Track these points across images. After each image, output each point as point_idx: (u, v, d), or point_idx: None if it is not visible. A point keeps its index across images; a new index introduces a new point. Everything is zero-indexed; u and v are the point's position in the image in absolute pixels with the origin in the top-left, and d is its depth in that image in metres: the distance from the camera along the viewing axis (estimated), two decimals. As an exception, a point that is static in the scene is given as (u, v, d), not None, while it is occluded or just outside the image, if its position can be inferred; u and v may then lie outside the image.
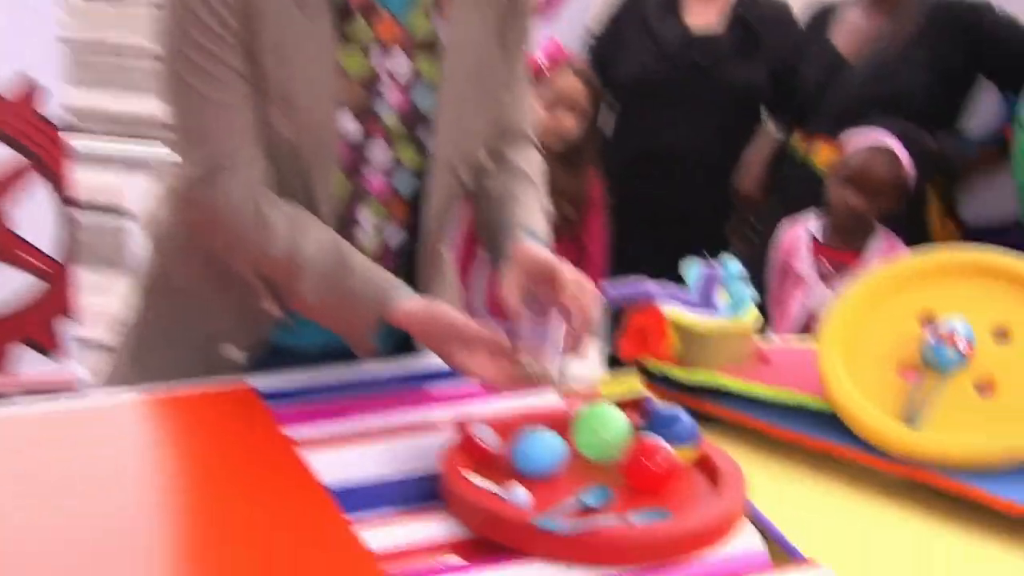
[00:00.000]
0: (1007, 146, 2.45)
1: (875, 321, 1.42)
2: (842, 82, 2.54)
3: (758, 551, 1.10)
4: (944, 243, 2.50)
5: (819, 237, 2.49)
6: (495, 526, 1.06)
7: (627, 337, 1.54)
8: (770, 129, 2.80)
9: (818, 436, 1.36)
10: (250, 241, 1.29)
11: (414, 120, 1.36)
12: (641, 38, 2.75)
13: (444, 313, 1.24)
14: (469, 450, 1.17)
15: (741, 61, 2.71)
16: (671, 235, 2.59)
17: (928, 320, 1.40)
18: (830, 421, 1.38)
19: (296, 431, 1.27)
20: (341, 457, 1.23)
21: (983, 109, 2.53)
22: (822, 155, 2.56)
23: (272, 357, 1.41)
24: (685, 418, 1.20)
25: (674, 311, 1.51)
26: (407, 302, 1.27)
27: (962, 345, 1.31)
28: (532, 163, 1.50)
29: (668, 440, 1.16)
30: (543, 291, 1.26)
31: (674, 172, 2.71)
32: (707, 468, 1.18)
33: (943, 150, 2.35)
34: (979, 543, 1.17)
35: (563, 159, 2.54)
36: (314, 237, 1.29)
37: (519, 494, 1.10)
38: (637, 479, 1.13)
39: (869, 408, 1.34)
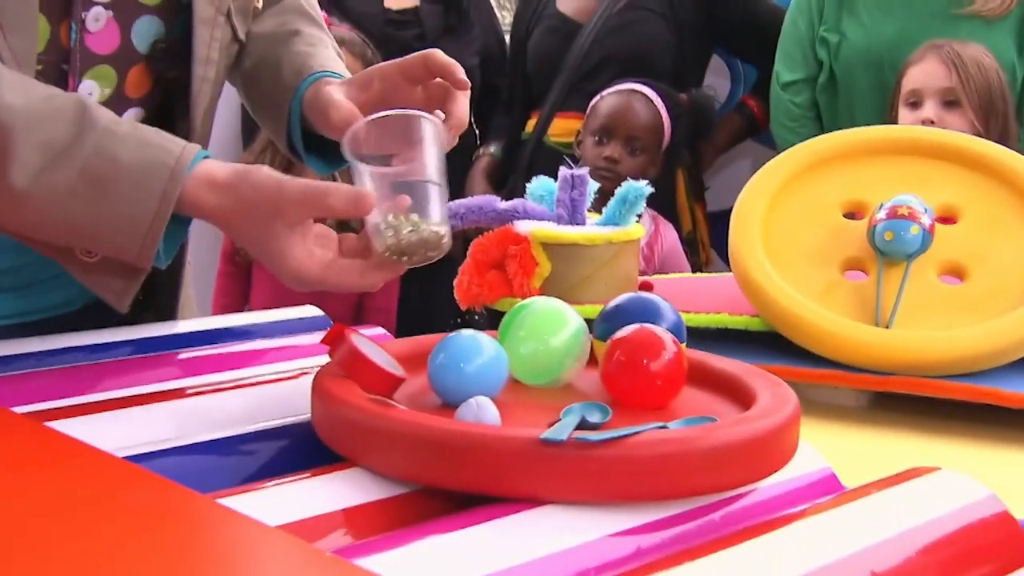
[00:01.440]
0: (751, 117, 2.37)
1: (796, 219, 1.14)
2: (575, 47, 2.33)
3: (822, 467, 0.74)
4: (692, 230, 2.35)
5: None
6: (466, 460, 0.61)
7: (474, 274, 1.15)
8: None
9: (772, 362, 1.04)
10: None
11: None
12: (340, 18, 2.40)
13: (269, 179, 0.77)
14: (361, 381, 0.71)
15: (448, 40, 2.44)
16: None
17: (856, 211, 1.15)
18: (772, 343, 1.08)
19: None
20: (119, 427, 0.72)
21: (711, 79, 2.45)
22: (557, 129, 2.32)
23: None
24: (665, 306, 0.82)
25: (540, 229, 1.14)
26: (210, 166, 0.80)
27: (926, 221, 1.06)
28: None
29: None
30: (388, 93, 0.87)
31: None
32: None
33: (696, 102, 2.19)
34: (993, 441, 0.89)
35: None
36: (21, 87, 0.79)
37: (489, 410, 0.66)
38: (632, 387, 0.74)
39: (830, 317, 1.04)
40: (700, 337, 1.09)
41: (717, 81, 2.46)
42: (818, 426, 1.00)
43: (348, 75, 0.94)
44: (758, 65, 2.35)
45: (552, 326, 0.78)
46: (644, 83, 2.13)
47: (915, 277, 1.06)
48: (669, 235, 2.14)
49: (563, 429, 0.61)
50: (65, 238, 0.81)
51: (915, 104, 1.85)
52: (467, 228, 1.18)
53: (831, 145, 1.18)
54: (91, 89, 0.89)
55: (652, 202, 2.18)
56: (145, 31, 0.92)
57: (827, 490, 0.71)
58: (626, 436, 0.61)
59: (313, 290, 0.78)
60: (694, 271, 2.15)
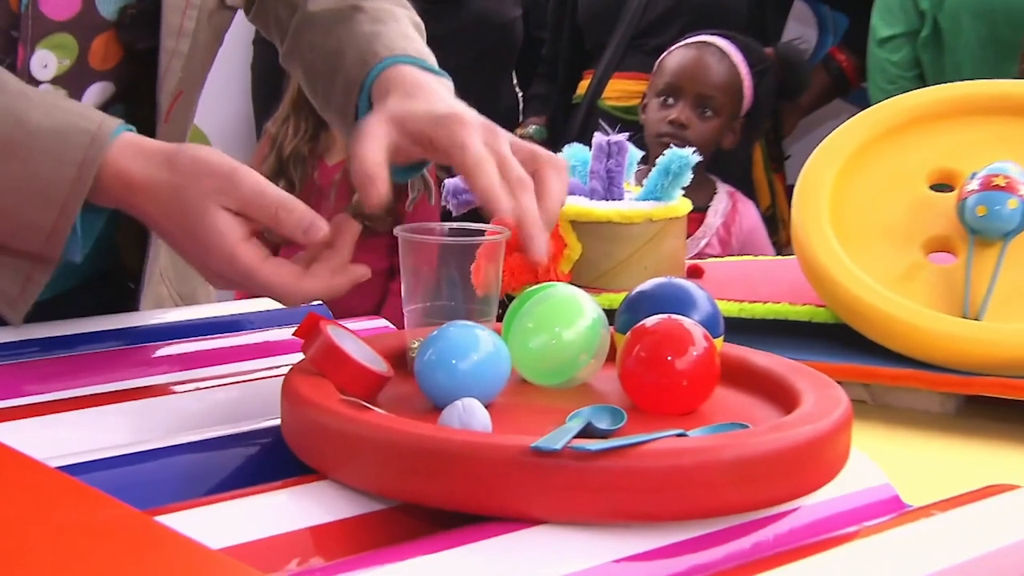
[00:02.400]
0: (840, 72, 2.33)
1: (872, 192, 1.12)
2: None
3: (879, 483, 0.72)
4: (771, 205, 2.32)
5: None
6: (447, 472, 0.60)
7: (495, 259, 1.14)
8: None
9: (840, 360, 1.02)
10: None
11: None
12: None
13: (221, 158, 0.76)
14: (338, 379, 0.71)
15: None
16: None
17: (945, 182, 1.12)
18: (841, 338, 1.05)
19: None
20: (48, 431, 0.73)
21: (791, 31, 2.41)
22: (614, 91, 2.29)
23: None
24: (699, 294, 0.81)
25: (570, 205, 1.13)
26: (138, 136, 0.79)
27: (1025, 192, 1.03)
28: None
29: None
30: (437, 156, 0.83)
31: None
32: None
33: (784, 57, 2.13)
34: None
35: None
36: None
37: (477, 414, 0.66)
38: (653, 388, 0.72)
39: (910, 307, 1.02)
40: (758, 331, 1.07)
41: (800, 30, 2.42)
42: (895, 435, 0.99)
43: (425, 53, 0.91)
44: (848, 12, 2.31)
45: (565, 317, 0.77)
46: (721, 35, 2.09)
47: (1012, 260, 1.03)
48: (749, 213, 2.11)
49: (559, 436, 0.60)
50: None
51: None
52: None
53: (916, 104, 1.15)
54: (47, 60, 0.88)
55: (727, 175, 2.16)
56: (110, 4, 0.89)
57: (885, 510, 0.69)
58: (633, 445, 0.60)
59: (239, 288, 0.77)
60: (775, 253, 2.12)
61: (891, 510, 0.69)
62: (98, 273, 1.03)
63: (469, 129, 0.79)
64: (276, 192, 0.75)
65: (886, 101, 1.16)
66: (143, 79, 0.95)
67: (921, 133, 1.12)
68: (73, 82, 0.90)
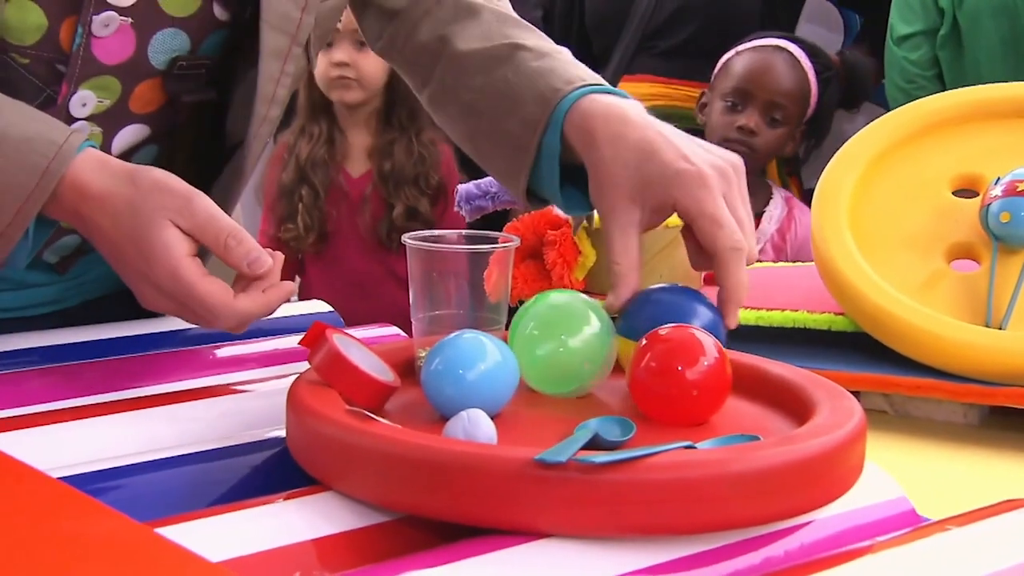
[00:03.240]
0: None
1: (893, 197, 1.11)
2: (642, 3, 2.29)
3: (895, 496, 0.71)
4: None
5: None
6: (450, 484, 0.60)
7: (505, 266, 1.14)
8: None
9: (860, 369, 1.01)
10: None
11: None
12: None
13: (179, 182, 0.78)
14: (344, 389, 0.71)
15: None
16: None
17: (968, 187, 1.12)
18: (861, 347, 1.05)
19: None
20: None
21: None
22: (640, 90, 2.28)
23: None
24: (701, 301, 0.80)
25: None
26: (102, 154, 0.80)
27: (1051, 198, 1.02)
28: None
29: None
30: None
31: None
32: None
33: (850, 65, 2.10)
34: None
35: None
36: None
37: (482, 425, 0.66)
38: (664, 399, 0.72)
39: (932, 315, 1.01)
40: (776, 339, 1.07)
41: (812, 29, 2.40)
42: (917, 447, 0.98)
43: (601, 80, 0.89)
44: (860, 10, 2.29)
45: (571, 324, 0.77)
46: (788, 39, 2.07)
47: (1038, 266, 1.02)
48: (805, 221, 2.09)
49: (565, 448, 0.60)
50: None
51: None
52: (499, 210, 1.17)
53: (938, 108, 1.14)
54: (86, 100, 0.87)
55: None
56: (166, 45, 0.88)
57: (900, 524, 0.69)
58: (640, 457, 0.60)
59: (169, 308, 0.79)
60: (789, 261, 2.11)
61: (907, 524, 0.68)
62: None
63: (713, 193, 0.79)
64: (228, 221, 0.78)
65: (906, 105, 1.16)
66: (183, 127, 0.95)
67: (943, 138, 1.12)
68: (108, 121, 0.90)
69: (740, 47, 2.06)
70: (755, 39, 2.07)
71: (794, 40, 2.03)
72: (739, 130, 1.98)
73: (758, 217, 1.99)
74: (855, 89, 2.11)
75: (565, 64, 0.90)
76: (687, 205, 0.79)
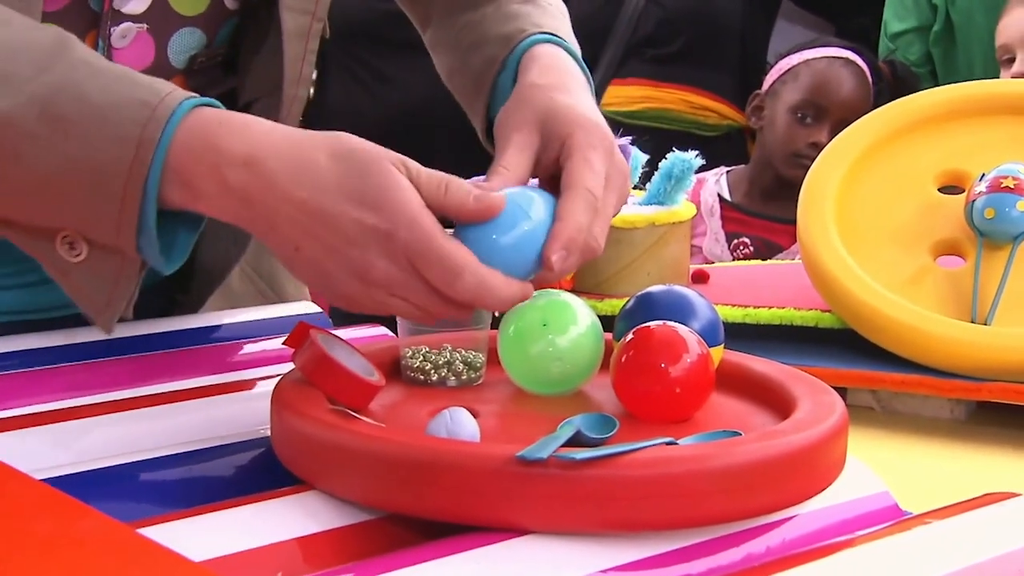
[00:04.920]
0: None
1: (878, 194, 1.12)
2: (626, 7, 2.30)
3: (877, 491, 0.72)
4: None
5: (733, 199, 2.01)
6: (431, 482, 0.61)
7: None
8: None
9: (846, 366, 1.02)
10: None
11: None
12: None
13: (305, 139, 0.69)
14: (328, 389, 0.71)
15: None
16: None
17: (953, 184, 1.12)
18: (848, 343, 1.05)
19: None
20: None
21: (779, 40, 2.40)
22: (615, 97, 2.28)
23: None
24: (699, 301, 0.81)
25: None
26: (207, 112, 0.71)
27: (1034, 194, 1.03)
28: None
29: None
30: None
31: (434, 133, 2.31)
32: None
33: (899, 74, 2.11)
34: None
35: None
36: None
37: (464, 422, 0.66)
38: (646, 396, 0.73)
39: (917, 311, 1.02)
40: (763, 336, 1.07)
41: (789, 28, 2.41)
42: (904, 443, 0.98)
43: (574, 43, 0.88)
44: (830, 19, 2.31)
45: (559, 323, 0.77)
46: (849, 48, 2.05)
47: (1021, 263, 1.03)
48: None
49: (546, 445, 0.61)
50: (32, 210, 0.73)
51: (1009, 61, 1.79)
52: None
53: (924, 105, 1.15)
54: None
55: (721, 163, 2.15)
56: (184, 44, 0.88)
57: (882, 518, 0.69)
58: (619, 454, 0.60)
59: (402, 275, 0.67)
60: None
61: (889, 518, 0.69)
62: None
63: (603, 154, 0.75)
64: (439, 172, 0.70)
65: (893, 102, 1.16)
66: None
67: (929, 134, 1.13)
68: None
69: (806, 54, 2.04)
70: (818, 46, 2.05)
71: (854, 49, 2.02)
72: (811, 146, 1.94)
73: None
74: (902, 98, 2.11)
75: (545, 13, 0.89)
76: (577, 142, 0.75)
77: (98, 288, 0.75)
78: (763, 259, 1.95)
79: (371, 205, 0.66)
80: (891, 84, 2.07)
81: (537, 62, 0.85)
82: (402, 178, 0.67)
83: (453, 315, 0.69)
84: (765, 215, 1.98)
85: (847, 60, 2.01)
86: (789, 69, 2.03)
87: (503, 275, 0.68)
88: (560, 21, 0.91)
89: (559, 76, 0.83)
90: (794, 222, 1.97)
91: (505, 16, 0.90)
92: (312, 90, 0.98)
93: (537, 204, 0.72)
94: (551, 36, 0.87)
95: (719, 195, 1.99)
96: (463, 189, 0.69)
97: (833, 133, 1.98)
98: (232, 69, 0.93)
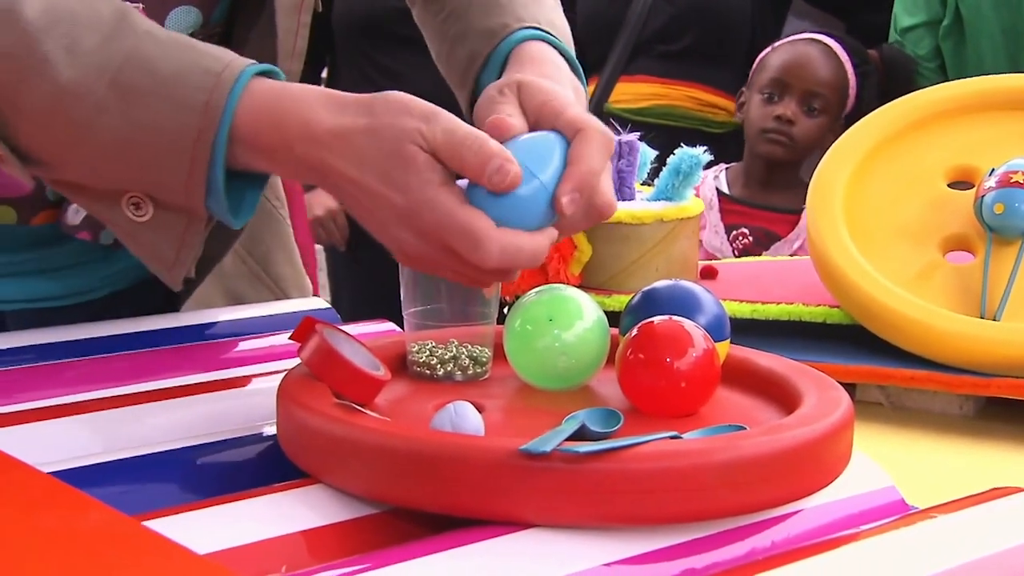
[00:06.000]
0: None
1: (888, 190, 1.12)
2: (635, 4, 2.29)
3: (883, 485, 0.72)
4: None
5: (732, 193, 2.05)
6: (436, 475, 0.61)
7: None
8: None
9: (855, 362, 1.02)
10: None
11: None
12: None
13: (404, 102, 0.70)
14: (334, 383, 0.72)
15: None
16: None
17: (963, 179, 1.12)
18: (856, 339, 1.05)
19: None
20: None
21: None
22: (622, 94, 2.28)
23: None
24: (705, 295, 0.81)
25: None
26: (268, 83, 0.73)
27: (1044, 189, 1.03)
28: None
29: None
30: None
31: None
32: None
33: (889, 59, 2.10)
34: None
35: None
36: None
37: (469, 416, 0.67)
38: (652, 390, 0.73)
39: (926, 307, 1.01)
40: (771, 332, 1.07)
41: (801, 25, 2.41)
42: (913, 439, 0.98)
43: (567, 37, 0.87)
44: (841, 16, 2.30)
45: (565, 318, 0.77)
46: (826, 33, 2.07)
47: (1032, 257, 1.02)
48: None
49: (550, 439, 0.61)
50: (103, 174, 0.75)
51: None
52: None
53: (933, 100, 1.15)
54: None
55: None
56: (180, 23, 0.89)
57: (887, 512, 0.69)
58: (624, 447, 0.61)
59: (434, 249, 0.70)
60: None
61: (894, 513, 0.69)
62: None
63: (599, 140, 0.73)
64: (465, 131, 0.70)
65: (902, 97, 1.16)
66: None
67: (939, 130, 1.12)
68: None
69: (776, 44, 2.08)
70: (791, 35, 2.08)
71: (830, 34, 2.04)
72: (777, 119, 1.99)
73: (797, 213, 2.00)
74: (895, 84, 2.11)
75: (531, 1, 0.87)
76: (565, 100, 0.74)
77: (166, 246, 0.77)
78: (763, 247, 1.97)
79: (398, 186, 0.68)
80: (879, 67, 2.07)
81: (522, 65, 0.83)
82: (420, 155, 0.68)
83: (492, 280, 0.73)
84: (762, 205, 2.01)
85: (813, 40, 2.02)
86: (761, 59, 2.06)
87: (526, 233, 0.69)
88: (546, 8, 0.89)
89: (546, 71, 0.82)
90: (791, 211, 1.98)
91: (488, 6, 0.88)
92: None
93: (554, 151, 0.71)
94: (537, 30, 0.86)
95: (717, 189, 2.01)
96: (479, 157, 0.68)
97: (800, 107, 2.00)
98: (229, 46, 0.93)
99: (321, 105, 0.70)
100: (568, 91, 0.79)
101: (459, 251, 0.69)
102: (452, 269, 0.71)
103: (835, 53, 2.02)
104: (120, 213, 0.76)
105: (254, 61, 0.73)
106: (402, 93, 0.71)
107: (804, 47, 2.02)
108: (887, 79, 2.11)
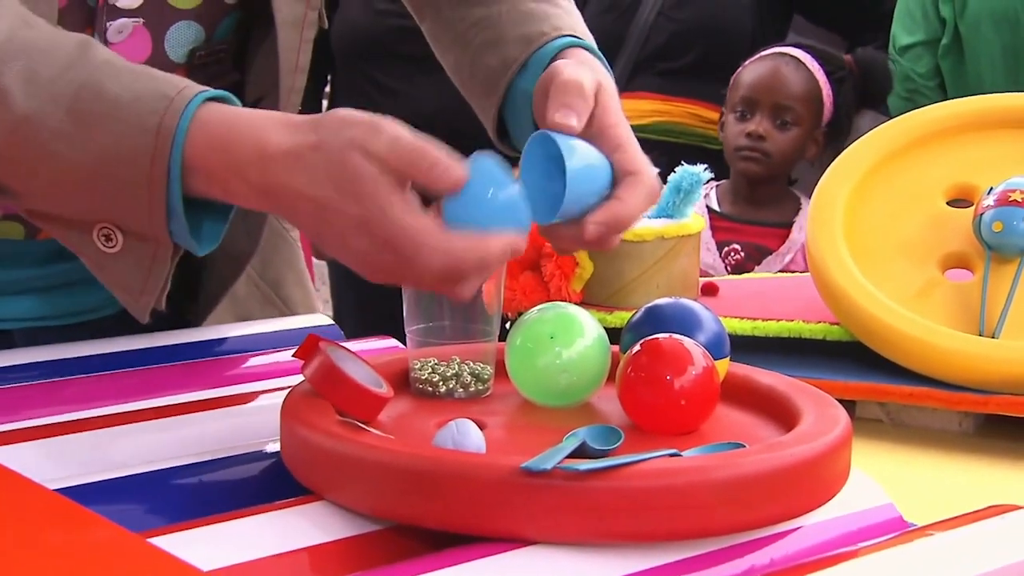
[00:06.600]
0: None
1: (887, 208, 1.12)
2: (637, 21, 2.31)
3: (881, 503, 0.73)
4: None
5: (722, 210, 2.06)
6: (438, 492, 0.62)
7: (506, 277, 1.15)
8: None
9: (855, 379, 1.02)
10: None
11: None
12: None
13: (347, 116, 0.71)
14: (337, 401, 0.72)
15: None
16: None
17: (962, 197, 1.13)
18: (856, 356, 1.06)
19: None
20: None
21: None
22: (625, 110, 2.29)
23: None
24: (705, 313, 0.82)
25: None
26: (220, 108, 0.74)
27: (1043, 207, 1.04)
28: None
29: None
30: None
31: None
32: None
33: (864, 64, 2.11)
34: None
35: None
36: (20, 22, 0.76)
37: (470, 433, 0.67)
38: (652, 408, 0.73)
39: (925, 324, 1.02)
40: (771, 349, 1.08)
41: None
42: (912, 456, 0.99)
43: (589, 36, 0.89)
44: (844, 34, 2.31)
45: (566, 336, 0.78)
46: (797, 45, 2.08)
47: (1030, 275, 1.03)
48: None
49: (551, 456, 0.62)
50: (69, 203, 0.76)
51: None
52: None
53: (933, 118, 1.15)
54: None
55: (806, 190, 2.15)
56: (181, 38, 0.90)
57: (886, 530, 0.70)
58: (623, 465, 0.61)
59: (392, 258, 0.70)
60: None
61: (892, 530, 0.70)
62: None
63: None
64: (409, 141, 0.71)
65: (902, 116, 1.17)
66: None
67: (938, 148, 1.13)
68: None
69: (746, 62, 2.09)
70: (763, 51, 2.10)
71: (802, 46, 2.05)
72: (748, 136, 2.00)
73: (787, 227, 2.01)
74: (872, 87, 2.12)
75: (561, 12, 0.90)
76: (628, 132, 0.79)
77: (133, 276, 0.78)
78: (755, 262, 1.97)
79: (351, 196, 0.69)
80: (855, 71, 2.08)
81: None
82: (365, 165, 0.68)
83: (447, 289, 0.71)
84: (751, 220, 2.03)
85: (781, 54, 2.04)
86: (734, 78, 2.08)
87: (476, 239, 0.69)
88: (577, 20, 0.91)
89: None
90: (780, 224, 1.99)
91: (522, 15, 0.90)
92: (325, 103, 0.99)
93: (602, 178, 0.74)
94: (576, 38, 0.88)
95: (708, 206, 2.03)
96: (424, 165, 0.70)
97: (772, 122, 2.01)
98: (239, 64, 0.95)
99: (273, 128, 0.71)
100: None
101: (405, 256, 0.69)
102: (407, 277, 0.72)
103: (804, 64, 2.03)
104: (90, 244, 0.77)
105: (208, 88, 0.74)
106: (347, 109, 0.72)
107: (772, 62, 2.03)
108: (864, 81, 2.12)
